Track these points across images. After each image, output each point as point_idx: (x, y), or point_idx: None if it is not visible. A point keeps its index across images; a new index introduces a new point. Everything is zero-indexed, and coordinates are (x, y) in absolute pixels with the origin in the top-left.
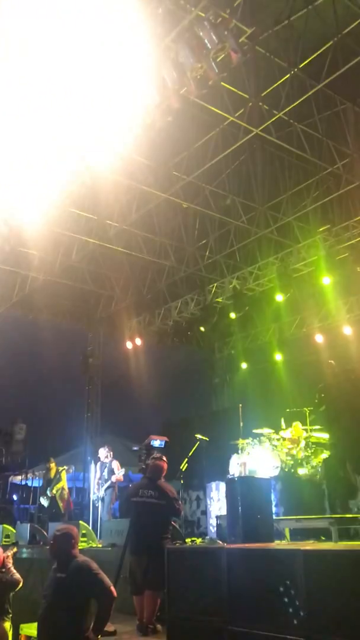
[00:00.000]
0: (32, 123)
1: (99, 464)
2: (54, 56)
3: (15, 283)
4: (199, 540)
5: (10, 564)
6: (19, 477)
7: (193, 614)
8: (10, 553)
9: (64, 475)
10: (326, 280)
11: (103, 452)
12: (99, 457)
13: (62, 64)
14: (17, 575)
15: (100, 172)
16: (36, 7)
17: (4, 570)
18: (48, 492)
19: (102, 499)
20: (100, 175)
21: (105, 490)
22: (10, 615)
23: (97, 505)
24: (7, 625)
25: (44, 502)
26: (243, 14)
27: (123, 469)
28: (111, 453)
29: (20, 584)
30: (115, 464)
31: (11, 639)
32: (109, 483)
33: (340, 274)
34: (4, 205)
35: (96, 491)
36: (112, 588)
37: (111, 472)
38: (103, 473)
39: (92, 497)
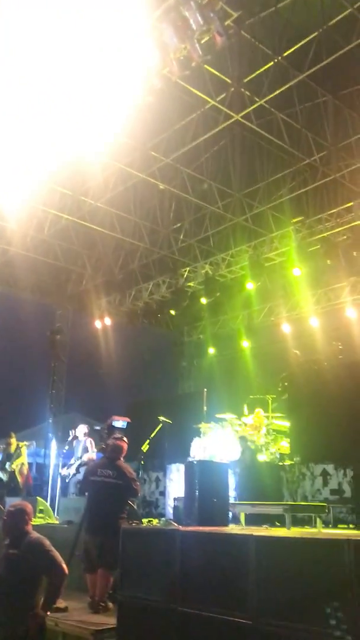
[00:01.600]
0: (13, 98)
1: (75, 441)
2: (37, 34)
3: None
4: (155, 521)
5: None
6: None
7: (145, 593)
8: None
9: (24, 450)
10: (296, 271)
11: (82, 429)
12: (75, 435)
13: (44, 41)
14: None
15: (77, 147)
16: None
17: None
18: (7, 467)
19: (74, 476)
20: (78, 151)
21: (78, 468)
22: None
23: (67, 482)
24: None
25: (3, 476)
26: None
27: (95, 450)
28: (87, 431)
29: None
30: (90, 442)
31: None
32: (81, 461)
33: (310, 265)
34: None
35: (68, 469)
36: (64, 565)
37: (85, 449)
38: (77, 450)
39: (64, 472)
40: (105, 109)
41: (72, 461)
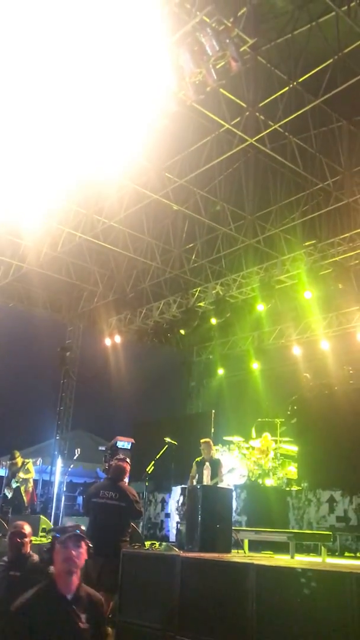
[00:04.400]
0: (30, 117)
1: None
2: (55, 55)
3: None
4: (157, 545)
5: None
6: None
7: (143, 620)
8: None
9: (30, 467)
10: (307, 294)
11: None
12: None
13: (62, 62)
14: None
15: (93, 167)
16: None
17: None
18: (12, 484)
19: None
20: (93, 171)
21: None
22: None
23: None
24: None
25: (8, 493)
26: (247, 24)
27: None
28: None
29: None
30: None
31: None
32: None
33: (322, 289)
34: None
35: None
36: None
37: None
38: None
39: None
40: (121, 130)
41: None
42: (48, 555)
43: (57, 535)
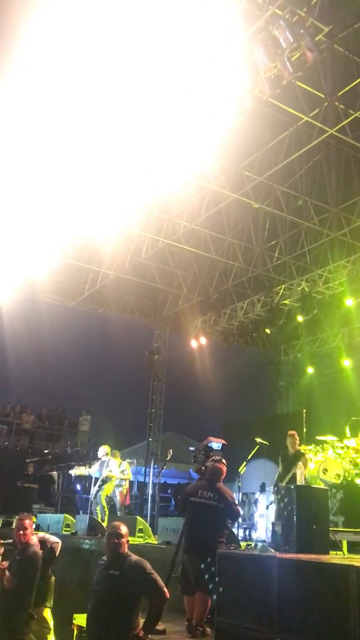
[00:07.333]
0: (113, 130)
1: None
2: (132, 60)
3: (87, 278)
4: (253, 545)
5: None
6: (83, 468)
7: (241, 621)
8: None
9: (128, 468)
10: None
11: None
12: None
13: (137, 67)
14: (36, 549)
15: (171, 172)
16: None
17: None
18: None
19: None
20: (172, 175)
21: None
22: (48, 603)
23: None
24: (47, 612)
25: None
26: (321, 12)
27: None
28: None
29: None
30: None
31: (53, 627)
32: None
33: None
34: (79, 204)
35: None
36: (165, 589)
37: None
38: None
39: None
40: (198, 132)
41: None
42: None
43: None
